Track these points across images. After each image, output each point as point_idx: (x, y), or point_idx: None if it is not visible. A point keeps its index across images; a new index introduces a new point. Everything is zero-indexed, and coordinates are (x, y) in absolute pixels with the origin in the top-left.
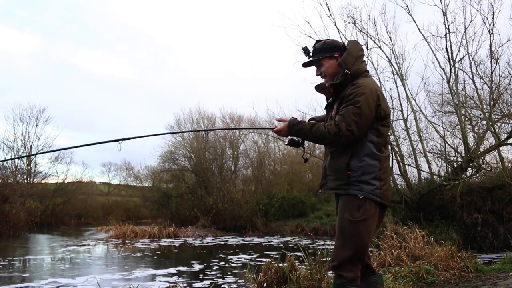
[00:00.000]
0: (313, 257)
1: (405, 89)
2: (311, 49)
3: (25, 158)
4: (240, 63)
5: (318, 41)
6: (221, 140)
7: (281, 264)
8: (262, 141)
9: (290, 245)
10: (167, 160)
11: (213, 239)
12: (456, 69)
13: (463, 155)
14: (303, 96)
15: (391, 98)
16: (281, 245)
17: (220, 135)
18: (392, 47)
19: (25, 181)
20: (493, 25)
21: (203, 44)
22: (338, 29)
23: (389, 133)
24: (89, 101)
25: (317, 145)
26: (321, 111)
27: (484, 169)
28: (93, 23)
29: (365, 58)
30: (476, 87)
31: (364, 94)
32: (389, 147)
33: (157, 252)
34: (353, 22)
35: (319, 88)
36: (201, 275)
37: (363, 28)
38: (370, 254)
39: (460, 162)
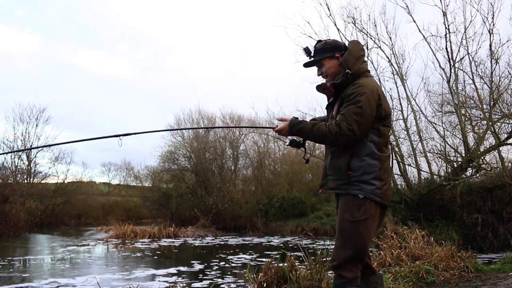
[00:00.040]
0: (313, 257)
1: (405, 89)
2: (312, 49)
3: (25, 158)
4: (240, 63)
5: (319, 41)
6: (221, 140)
7: (281, 264)
8: (262, 141)
9: (290, 245)
10: (167, 160)
11: (213, 239)
12: (456, 69)
13: (463, 155)
14: (303, 96)
15: (391, 98)
16: (281, 245)
17: (220, 135)
18: (392, 47)
19: (25, 181)
20: (493, 25)
21: (203, 44)
22: (338, 29)
23: (389, 133)
24: (89, 101)
25: (317, 145)
26: (321, 111)
27: (484, 169)
28: (93, 23)
29: (365, 58)
30: (476, 87)
31: (365, 94)
32: (389, 147)
33: (157, 252)
34: (353, 22)
35: (320, 88)
36: (201, 275)
37: (363, 28)
38: (370, 254)
39: (460, 162)
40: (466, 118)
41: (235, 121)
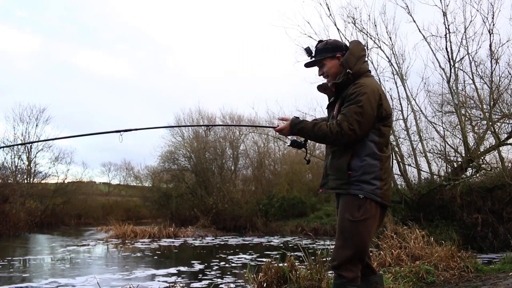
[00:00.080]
0: (313, 257)
1: (405, 89)
2: (313, 50)
3: (25, 158)
4: (240, 63)
5: (320, 41)
6: (221, 140)
7: (281, 264)
8: (262, 141)
9: (290, 245)
10: (167, 160)
11: (213, 239)
12: (456, 69)
13: (463, 155)
14: (303, 96)
15: (391, 98)
16: (281, 245)
17: (220, 135)
18: (392, 47)
19: (25, 181)
20: (493, 25)
21: (203, 44)
22: (338, 29)
23: (390, 133)
24: (89, 101)
25: (317, 145)
26: (321, 111)
27: (484, 169)
28: (93, 23)
29: (366, 58)
30: (476, 87)
31: (366, 94)
32: (390, 147)
33: (157, 252)
34: (353, 22)
35: (321, 88)
36: (201, 275)
37: (363, 28)
38: (371, 254)
39: (460, 162)
40: (466, 118)
41: (235, 121)
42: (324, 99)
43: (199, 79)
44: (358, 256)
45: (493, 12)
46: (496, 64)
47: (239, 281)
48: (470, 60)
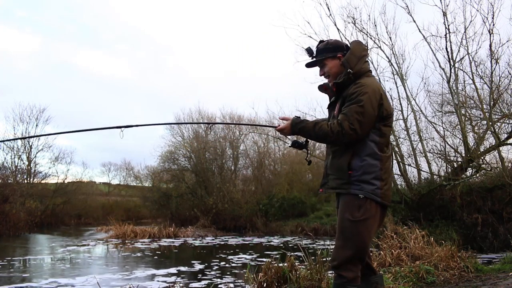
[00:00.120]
0: (313, 257)
1: (405, 89)
2: (314, 50)
3: (25, 158)
4: (240, 63)
5: (321, 41)
6: (221, 140)
7: (281, 264)
8: (262, 141)
9: (290, 245)
10: (167, 160)
11: (213, 239)
12: (456, 69)
13: (463, 155)
14: (303, 96)
15: (391, 98)
16: (281, 245)
17: (220, 135)
18: (392, 47)
19: (25, 181)
20: (493, 25)
21: (203, 44)
22: (338, 29)
23: (390, 133)
24: (89, 101)
25: (317, 145)
26: (321, 111)
27: (484, 169)
28: (93, 23)
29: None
30: (476, 87)
31: (367, 93)
32: (390, 147)
33: (157, 252)
34: (353, 22)
35: (322, 88)
36: (201, 275)
37: (363, 28)
38: (371, 254)
39: (460, 162)
40: (466, 118)
41: (235, 121)
42: (324, 99)
43: (199, 79)
44: (358, 256)
45: (493, 12)
46: (496, 64)
47: (239, 281)
48: (470, 60)
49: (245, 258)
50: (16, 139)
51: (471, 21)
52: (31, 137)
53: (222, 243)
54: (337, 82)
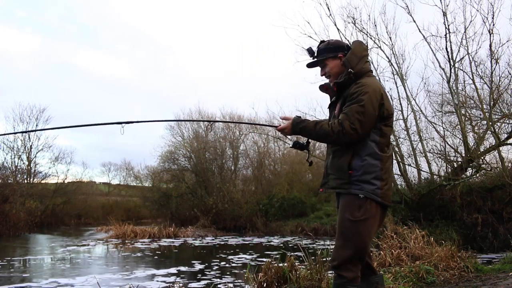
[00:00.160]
0: (313, 257)
1: (405, 89)
2: (315, 50)
3: (25, 158)
4: (240, 63)
5: (322, 41)
6: (221, 140)
7: (281, 264)
8: (262, 141)
9: (290, 245)
10: (167, 160)
11: (213, 239)
12: (456, 69)
13: (463, 155)
14: (303, 96)
15: (391, 98)
16: (281, 245)
17: (220, 135)
18: (392, 47)
19: (25, 181)
20: (493, 25)
21: (203, 44)
22: (338, 29)
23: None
24: (89, 101)
25: (317, 145)
26: (321, 111)
27: (484, 169)
28: (93, 23)
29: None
30: (476, 87)
31: (368, 93)
32: (391, 147)
33: (157, 252)
34: (353, 22)
35: (323, 88)
36: (201, 275)
37: (363, 28)
38: (371, 254)
39: (460, 162)
40: (466, 118)
41: (235, 120)
42: (324, 99)
43: (199, 79)
44: (358, 256)
45: (493, 12)
46: (496, 64)
47: (239, 281)
48: (470, 60)
49: (245, 258)
50: (16, 132)
51: (471, 21)
52: (32, 131)
53: (222, 243)
54: (338, 82)
